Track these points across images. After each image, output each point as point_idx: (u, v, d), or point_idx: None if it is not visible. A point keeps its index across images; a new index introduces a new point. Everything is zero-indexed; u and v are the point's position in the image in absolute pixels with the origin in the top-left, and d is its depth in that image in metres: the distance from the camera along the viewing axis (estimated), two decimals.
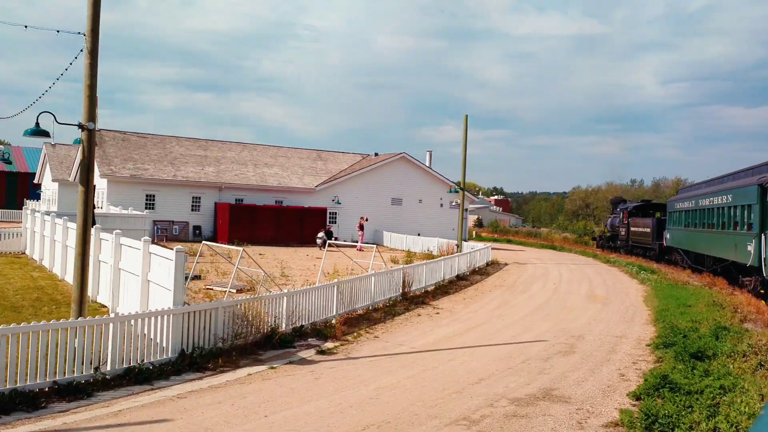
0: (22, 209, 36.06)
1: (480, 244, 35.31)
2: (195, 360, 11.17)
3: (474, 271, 29.63)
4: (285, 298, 13.95)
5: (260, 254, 33.27)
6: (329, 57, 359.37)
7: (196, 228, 38.14)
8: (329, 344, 13.66)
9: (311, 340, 13.89)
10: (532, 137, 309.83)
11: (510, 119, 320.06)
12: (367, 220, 39.69)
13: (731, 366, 11.28)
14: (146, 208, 36.68)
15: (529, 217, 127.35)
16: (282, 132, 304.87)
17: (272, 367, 11.45)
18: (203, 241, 18.60)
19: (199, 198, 38.49)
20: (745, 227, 22.02)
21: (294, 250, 36.37)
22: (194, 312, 11.57)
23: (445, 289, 23.33)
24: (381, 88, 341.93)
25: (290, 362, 11.94)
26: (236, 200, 39.56)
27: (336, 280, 16.17)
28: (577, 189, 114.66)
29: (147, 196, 36.78)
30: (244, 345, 12.38)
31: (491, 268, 32.66)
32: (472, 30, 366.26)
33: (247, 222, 37.45)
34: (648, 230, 38.34)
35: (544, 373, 11.66)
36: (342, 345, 13.64)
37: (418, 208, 47.04)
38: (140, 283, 13.11)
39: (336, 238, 40.90)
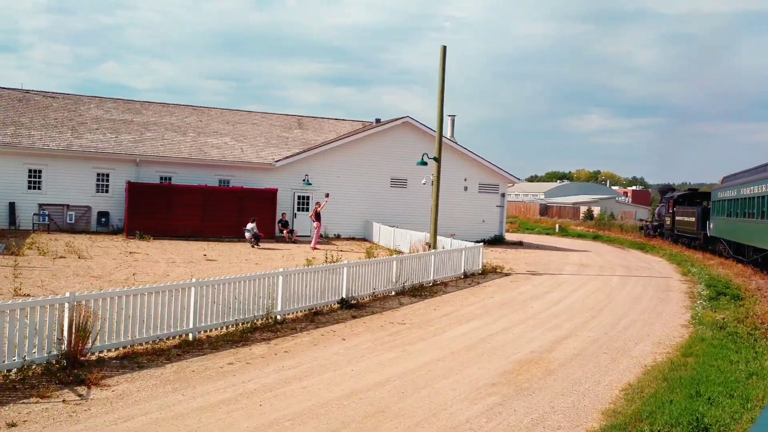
0: None
1: (470, 244, 23.28)
2: None
3: (412, 289, 17.87)
4: None
5: (131, 252, 23.40)
6: (469, 47, 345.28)
7: (102, 215, 28.87)
8: None
9: None
10: (687, 125, 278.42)
11: (661, 106, 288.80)
12: (322, 206, 28.34)
13: None
14: (30, 187, 27.96)
15: None
16: (423, 123, 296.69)
17: None
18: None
19: (108, 175, 29.09)
20: None
21: (213, 246, 26.14)
22: None
23: (247, 334, 12.07)
24: (521, 77, 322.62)
25: None
26: (161, 179, 29.85)
27: None
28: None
29: (30, 171, 27.89)
30: None
31: (468, 280, 21.13)
32: (622, 12, 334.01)
33: (161, 208, 27.64)
34: (693, 219, 36.73)
35: None
36: None
37: (431, 193, 34.91)
38: None
39: (292, 231, 30.14)
